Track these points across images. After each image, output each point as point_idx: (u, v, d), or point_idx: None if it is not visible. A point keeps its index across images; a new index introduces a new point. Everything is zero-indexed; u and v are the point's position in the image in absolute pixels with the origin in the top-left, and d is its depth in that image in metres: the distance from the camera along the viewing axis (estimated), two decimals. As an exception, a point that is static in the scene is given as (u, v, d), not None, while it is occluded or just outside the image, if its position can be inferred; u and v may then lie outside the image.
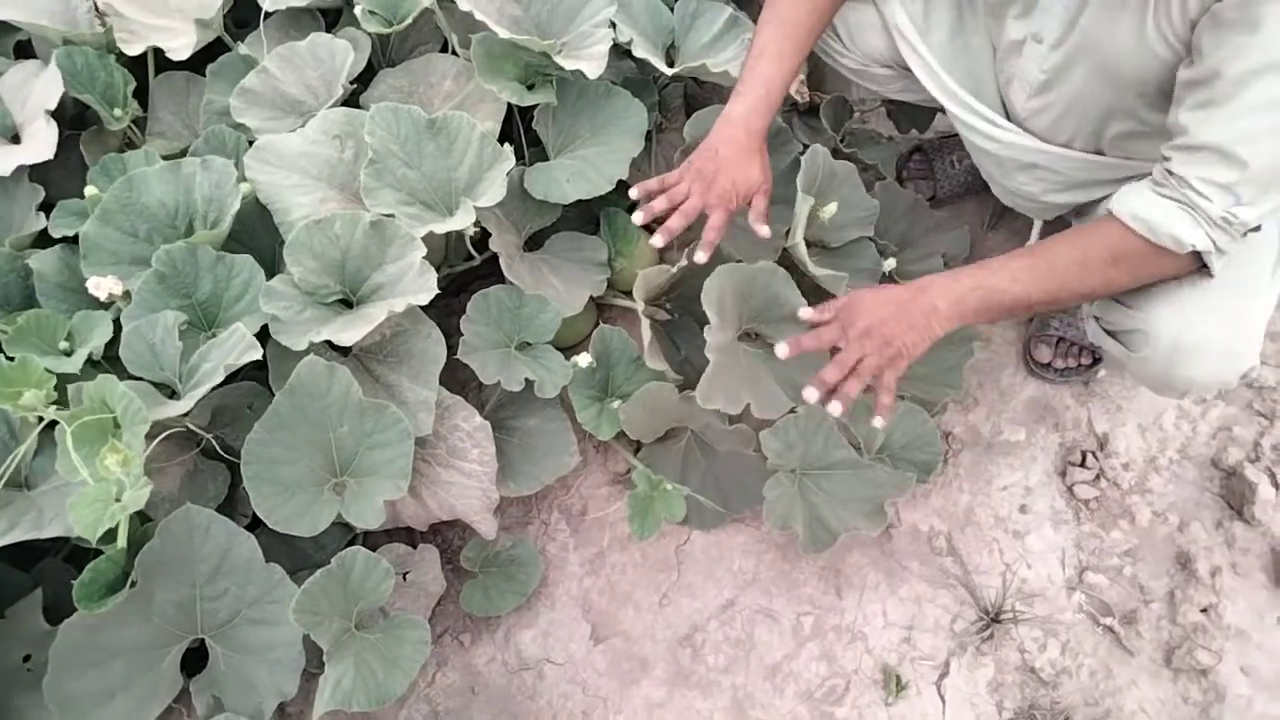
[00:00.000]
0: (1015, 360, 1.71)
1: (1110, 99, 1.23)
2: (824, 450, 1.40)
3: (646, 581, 1.50)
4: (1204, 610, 1.44)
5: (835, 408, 1.18)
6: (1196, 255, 1.10)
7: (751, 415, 1.40)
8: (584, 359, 1.44)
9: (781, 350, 1.22)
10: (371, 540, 1.41)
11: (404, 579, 1.37)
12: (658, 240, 1.31)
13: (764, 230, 1.35)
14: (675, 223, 1.30)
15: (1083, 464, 1.59)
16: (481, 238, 1.49)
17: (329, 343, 1.27)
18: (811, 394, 1.18)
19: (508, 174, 1.38)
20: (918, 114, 1.78)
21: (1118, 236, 1.13)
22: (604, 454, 1.61)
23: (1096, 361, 1.65)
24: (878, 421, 1.20)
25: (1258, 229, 1.12)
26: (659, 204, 1.33)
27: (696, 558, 1.52)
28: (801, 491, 1.41)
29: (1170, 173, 1.08)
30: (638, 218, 1.35)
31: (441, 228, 1.33)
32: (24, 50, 1.66)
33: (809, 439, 1.39)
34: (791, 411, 1.40)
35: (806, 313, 1.29)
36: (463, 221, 1.33)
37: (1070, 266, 1.16)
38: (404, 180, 1.37)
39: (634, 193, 1.37)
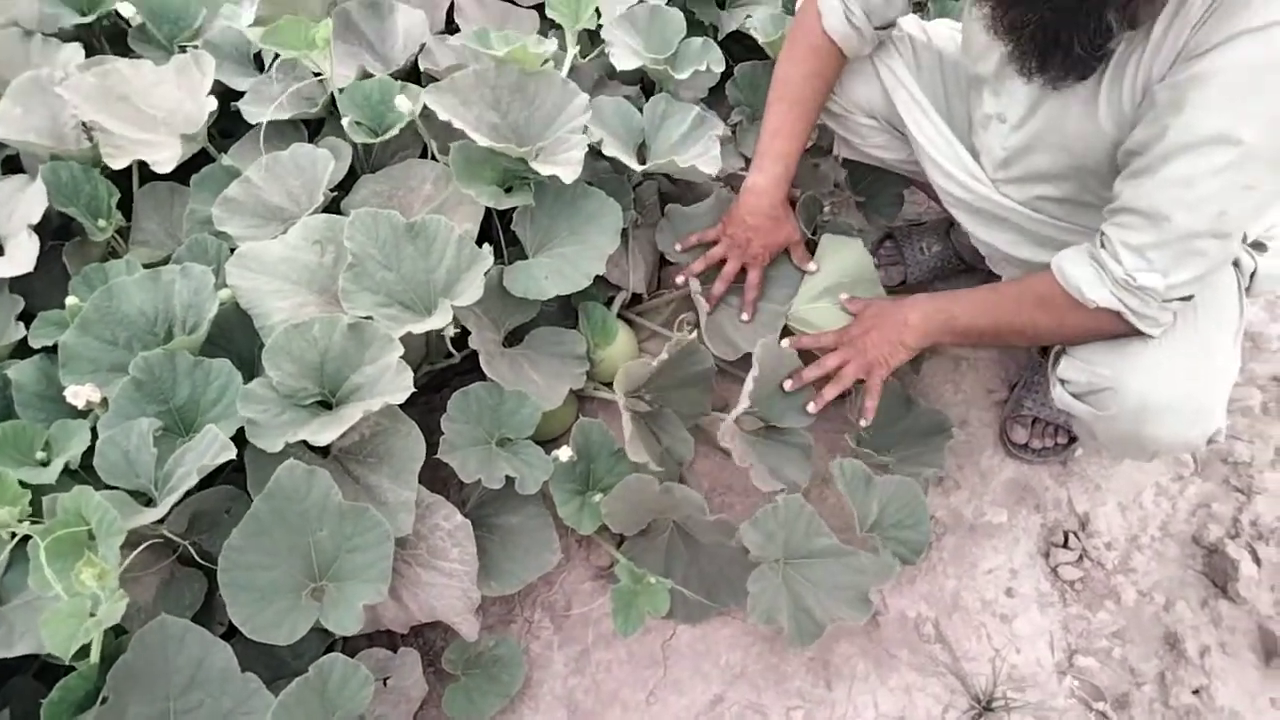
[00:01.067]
0: (993, 442, 1.73)
1: (1069, 177, 1.30)
2: (806, 538, 1.40)
3: (633, 679, 1.48)
4: (1195, 692, 1.43)
5: (811, 408, 1.48)
6: (1125, 316, 1.19)
7: (734, 508, 1.41)
8: (564, 453, 1.44)
9: (788, 385, 1.49)
10: (351, 645, 1.38)
11: (384, 684, 1.34)
12: (704, 304, 1.62)
13: (810, 267, 1.63)
14: (718, 288, 1.62)
15: (1065, 544, 1.60)
16: (461, 335, 1.51)
17: (308, 445, 1.27)
18: (790, 384, 1.48)
19: (486, 273, 1.41)
20: (885, 205, 1.84)
21: (1047, 284, 1.26)
22: (587, 549, 1.60)
23: (1073, 440, 1.67)
24: (863, 421, 1.44)
25: (1189, 298, 1.18)
26: (698, 266, 1.63)
27: (683, 652, 1.50)
28: (786, 582, 1.40)
29: (1102, 232, 1.18)
30: (681, 280, 1.64)
31: (420, 328, 1.35)
32: (11, 165, 1.69)
33: (790, 528, 1.39)
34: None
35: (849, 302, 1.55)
36: (441, 321, 1.35)
37: (1009, 303, 1.33)
38: (383, 283, 1.39)
39: (678, 247, 1.68)
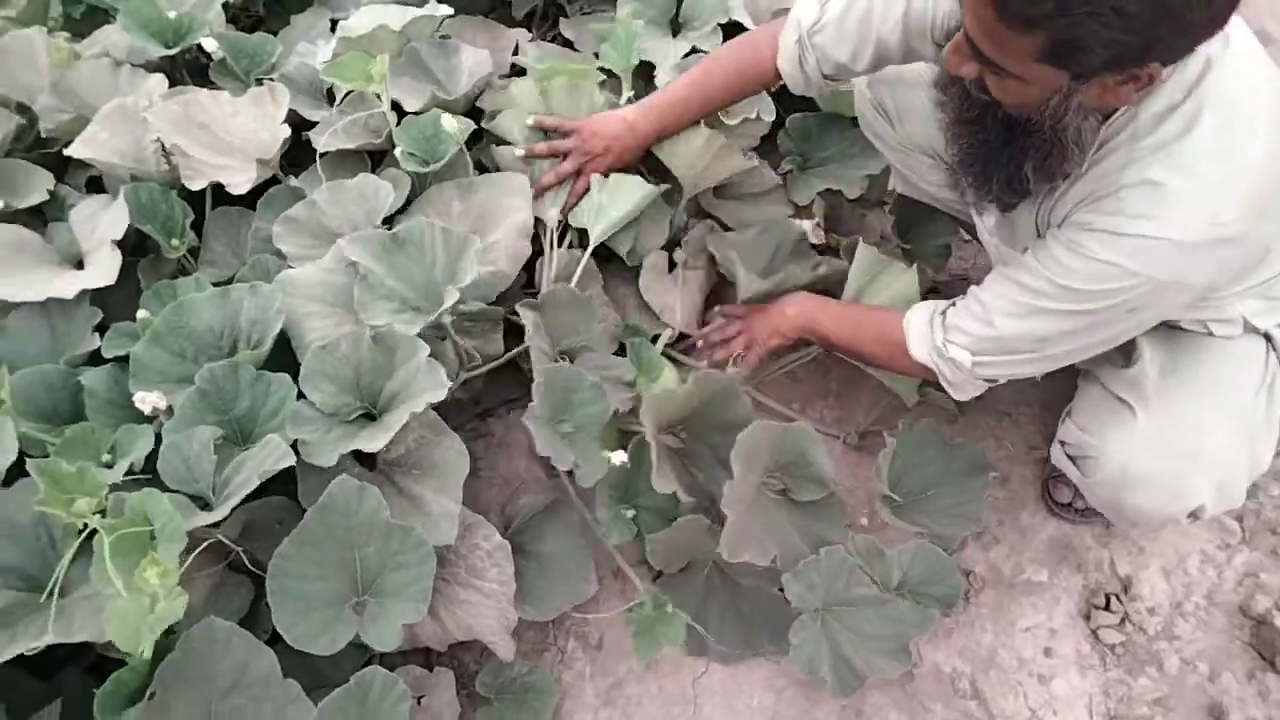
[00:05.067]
0: (1035, 499, 1.71)
1: None
2: (846, 589, 1.40)
3: (663, 715, 1.47)
4: (1241, 764, 1.39)
5: (704, 361, 1.70)
6: (939, 376, 1.36)
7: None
8: (618, 456, 1.44)
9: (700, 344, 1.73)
10: (386, 661, 1.39)
11: (418, 703, 1.35)
12: (547, 179, 1.67)
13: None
14: (547, 179, 1.67)
15: (1107, 607, 1.57)
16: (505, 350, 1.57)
17: (357, 457, 1.30)
18: (698, 342, 1.73)
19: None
20: (933, 256, 1.86)
21: (894, 324, 1.42)
22: (622, 582, 1.60)
23: None
24: (738, 370, 1.62)
25: (994, 383, 1.35)
26: (540, 148, 1.68)
27: (714, 690, 1.49)
28: (826, 631, 1.39)
29: (959, 298, 1.33)
30: (518, 153, 1.68)
31: (434, 319, 1.37)
32: (94, 185, 1.78)
33: (830, 579, 1.39)
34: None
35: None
36: (450, 301, 1.36)
37: (861, 327, 1.53)
38: (392, 291, 1.42)
39: (520, 151, 1.69)
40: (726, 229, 1.88)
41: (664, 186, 1.71)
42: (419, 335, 1.36)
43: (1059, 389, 1.79)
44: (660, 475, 1.45)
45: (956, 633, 1.56)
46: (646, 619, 1.40)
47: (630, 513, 1.47)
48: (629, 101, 1.75)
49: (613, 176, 1.67)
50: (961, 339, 1.30)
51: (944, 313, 1.34)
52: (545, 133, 1.72)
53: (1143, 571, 1.62)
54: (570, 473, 1.47)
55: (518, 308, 1.49)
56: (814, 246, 1.86)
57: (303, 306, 1.44)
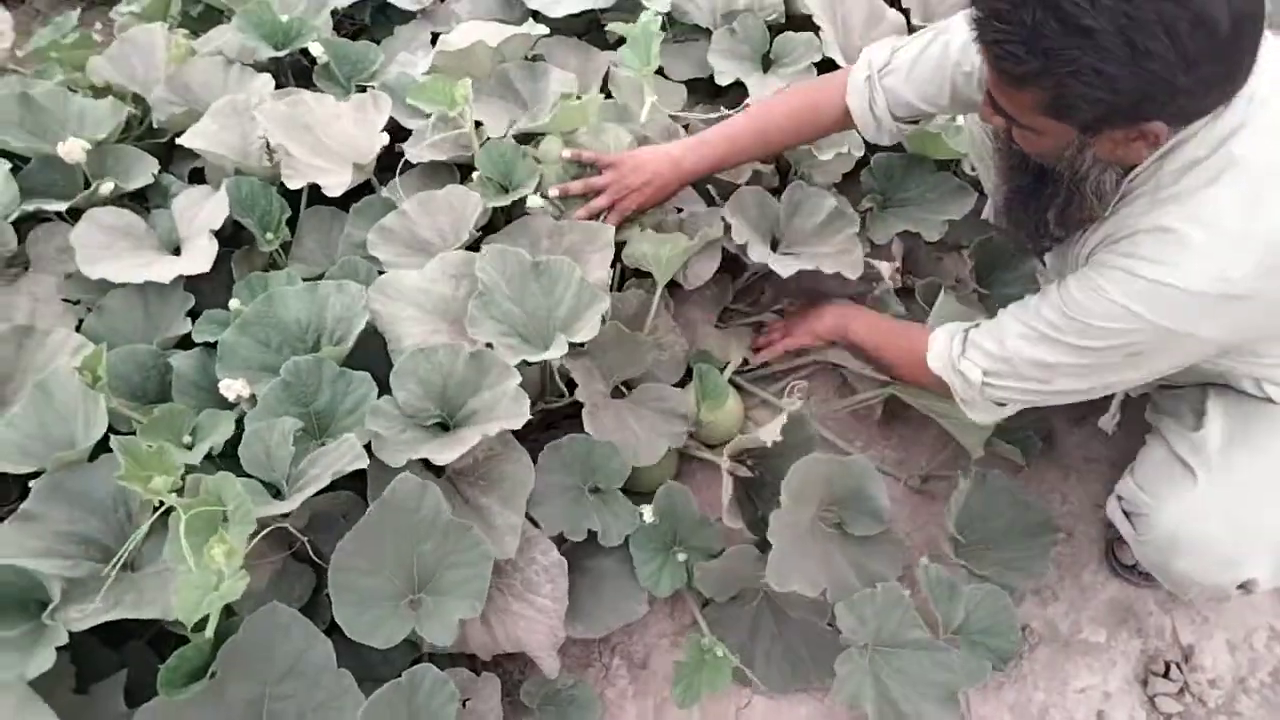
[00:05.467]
0: (1097, 558, 1.67)
1: None
2: (898, 629, 1.38)
3: (702, 743, 1.47)
4: None
5: (755, 357, 1.81)
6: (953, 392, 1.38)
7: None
8: (647, 513, 1.47)
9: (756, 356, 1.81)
10: (436, 661, 1.42)
11: (464, 706, 1.37)
12: (581, 214, 1.64)
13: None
14: (580, 214, 1.64)
15: (1166, 675, 1.53)
16: (574, 381, 1.57)
17: (426, 463, 1.34)
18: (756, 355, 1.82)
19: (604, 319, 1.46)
20: (1012, 300, 1.83)
21: (920, 337, 1.45)
22: (671, 604, 1.61)
23: None
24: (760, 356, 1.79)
25: (1003, 407, 1.36)
26: (575, 187, 1.65)
27: (756, 723, 1.49)
28: (874, 670, 1.38)
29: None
30: (552, 193, 1.65)
31: (536, 358, 1.40)
32: (195, 176, 1.86)
33: (884, 615, 1.38)
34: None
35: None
36: (556, 353, 1.40)
37: (891, 338, 1.59)
38: (507, 314, 1.46)
39: (554, 191, 1.65)
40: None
41: (716, 235, 1.68)
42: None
43: (1129, 447, 1.76)
44: (731, 511, 1.46)
45: (1008, 687, 1.53)
46: (690, 667, 1.39)
47: (682, 556, 1.49)
48: (652, 107, 1.76)
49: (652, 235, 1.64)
50: (976, 355, 1.33)
51: (967, 331, 1.37)
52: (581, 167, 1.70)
53: (1206, 642, 1.57)
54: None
55: (564, 361, 1.50)
56: (891, 288, 1.85)
57: (401, 310, 1.48)
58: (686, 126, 1.91)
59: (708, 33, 2.05)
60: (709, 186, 1.87)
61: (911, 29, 2.09)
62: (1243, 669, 1.54)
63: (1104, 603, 1.62)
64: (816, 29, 1.99)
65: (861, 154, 1.85)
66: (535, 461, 1.46)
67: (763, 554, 1.43)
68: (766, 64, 2.04)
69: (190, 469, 1.27)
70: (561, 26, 2.06)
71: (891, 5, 2.10)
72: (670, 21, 2.09)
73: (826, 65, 1.97)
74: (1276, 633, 1.58)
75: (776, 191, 1.79)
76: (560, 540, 1.48)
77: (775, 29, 2.04)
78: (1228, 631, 1.58)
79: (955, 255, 1.99)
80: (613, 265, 1.62)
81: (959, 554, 1.48)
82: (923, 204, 1.90)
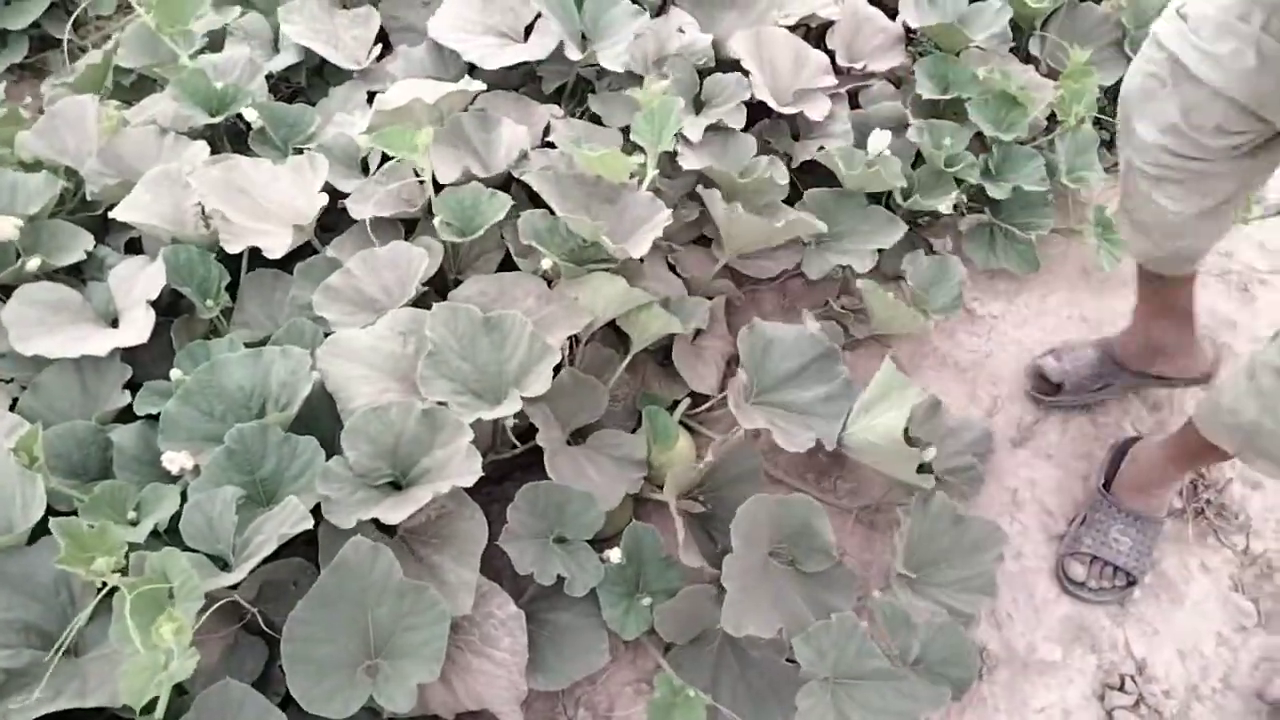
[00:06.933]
0: (1048, 576, 1.71)
1: None
2: (857, 659, 1.39)
3: (671, 789, 1.46)
4: None
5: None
6: None
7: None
8: (615, 555, 1.48)
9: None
10: (397, 725, 1.40)
11: (426, 769, 1.36)
12: None
13: None
14: None
15: (1122, 688, 1.56)
16: (524, 429, 1.57)
17: (377, 524, 1.33)
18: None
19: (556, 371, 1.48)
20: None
21: None
22: (633, 651, 1.60)
23: (1131, 584, 1.65)
24: None
25: None
26: None
27: (723, 766, 1.48)
28: (835, 701, 1.38)
29: None
30: None
31: (490, 415, 1.41)
32: (133, 247, 1.85)
33: (841, 647, 1.39)
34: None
35: None
36: (509, 410, 1.41)
37: None
38: (458, 371, 1.47)
39: None
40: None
41: (653, 298, 1.65)
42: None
43: (1072, 471, 1.81)
44: (687, 550, 1.47)
45: (969, 710, 1.55)
46: (663, 707, 1.38)
47: (646, 600, 1.49)
48: (653, 182, 1.79)
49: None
50: None
51: None
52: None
53: (1158, 653, 1.60)
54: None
55: (524, 407, 1.48)
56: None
57: (351, 369, 1.48)
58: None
59: (640, 79, 2.10)
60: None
61: (837, 70, 2.15)
62: (1194, 676, 1.58)
63: (1058, 620, 1.65)
64: (746, 71, 2.04)
65: (785, 181, 1.90)
66: (501, 504, 1.46)
67: (721, 592, 1.44)
68: (699, 105, 2.09)
69: (134, 547, 1.24)
70: (498, 81, 2.09)
71: (816, 46, 2.16)
72: (600, 72, 2.13)
73: (757, 106, 2.03)
74: (1224, 638, 1.62)
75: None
76: (518, 593, 1.48)
77: (705, 73, 2.09)
78: (1178, 641, 1.61)
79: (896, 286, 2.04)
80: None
81: (909, 583, 1.50)
82: (856, 236, 1.95)
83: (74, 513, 1.30)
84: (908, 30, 2.27)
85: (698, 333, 1.87)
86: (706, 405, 1.83)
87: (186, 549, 1.25)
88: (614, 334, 1.78)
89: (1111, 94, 2.41)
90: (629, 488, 1.60)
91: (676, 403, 1.80)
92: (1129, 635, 1.62)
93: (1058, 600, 1.68)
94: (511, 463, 1.66)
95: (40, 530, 1.26)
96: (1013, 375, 1.96)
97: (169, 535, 1.32)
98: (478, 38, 2.08)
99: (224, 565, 1.27)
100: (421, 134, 1.63)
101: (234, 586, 1.25)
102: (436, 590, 1.30)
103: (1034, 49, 2.39)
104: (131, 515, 1.33)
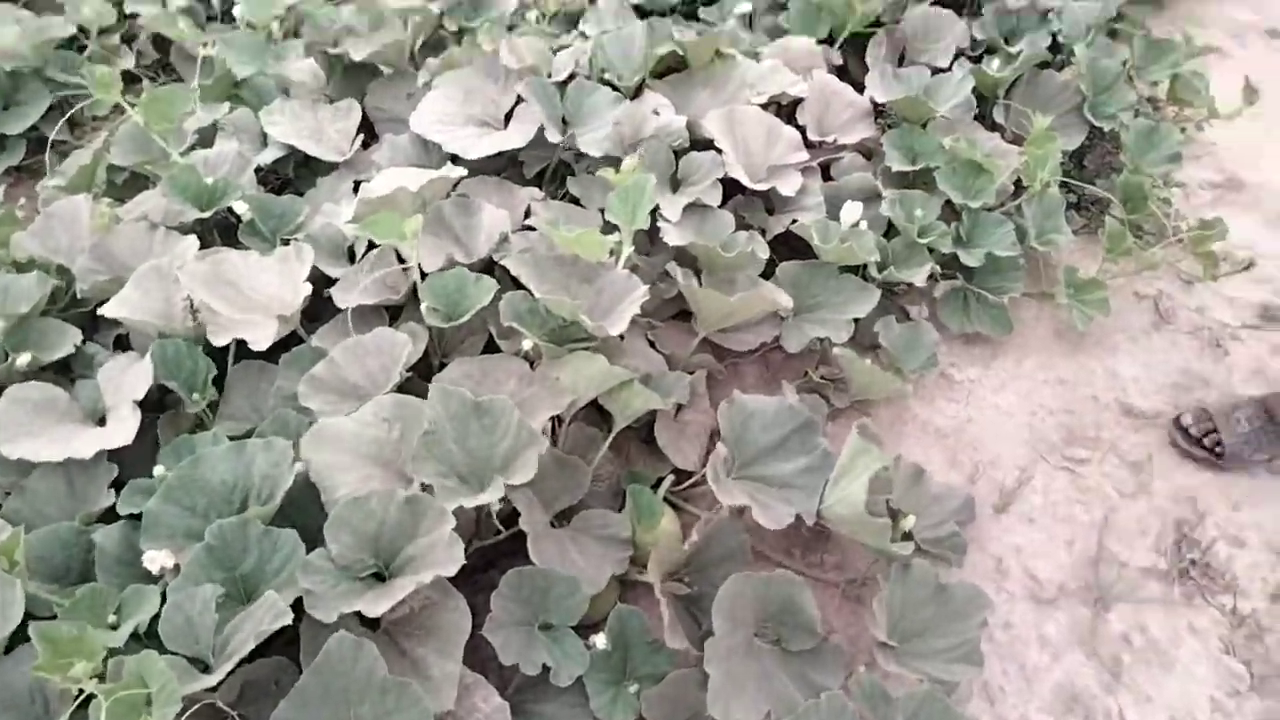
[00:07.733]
0: (1038, 646, 1.69)
1: None
2: (847, 740, 1.38)
3: None
4: None
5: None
6: None
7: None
8: (600, 640, 1.47)
9: None
10: (381, 825, 1.38)
11: None
12: None
13: None
14: None
15: (1117, 760, 1.54)
16: (510, 514, 1.58)
17: (360, 617, 1.33)
18: None
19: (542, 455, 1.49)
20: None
21: None
22: (622, 736, 1.59)
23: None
24: None
25: None
26: None
27: None
28: (826, 785, 1.37)
29: None
30: None
31: (472, 502, 1.42)
32: (121, 342, 1.88)
33: (828, 730, 1.38)
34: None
35: None
36: (492, 496, 1.42)
37: None
38: (448, 454, 1.48)
39: None
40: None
41: (633, 375, 1.66)
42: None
43: (1055, 536, 1.81)
44: (673, 633, 1.46)
45: (965, 789, 1.52)
46: None
47: (634, 687, 1.47)
48: (629, 260, 1.82)
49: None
50: None
51: None
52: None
53: (1152, 721, 1.58)
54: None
55: (508, 493, 1.49)
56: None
57: (334, 458, 1.49)
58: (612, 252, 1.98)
59: (618, 160, 2.15)
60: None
61: (808, 144, 2.21)
62: (1190, 745, 1.56)
63: (1050, 690, 1.63)
64: (719, 150, 2.10)
65: (766, 254, 1.93)
66: (486, 593, 1.46)
67: (706, 676, 1.43)
68: (675, 184, 2.14)
69: (114, 651, 1.24)
70: (480, 167, 2.14)
71: (788, 122, 2.22)
72: (579, 155, 2.19)
73: (730, 183, 2.08)
74: (1218, 703, 1.60)
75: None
76: (504, 684, 1.47)
77: (680, 153, 2.15)
78: (1171, 709, 1.59)
79: (873, 354, 2.06)
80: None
81: (894, 653, 1.49)
82: (831, 306, 1.98)
83: (54, 617, 1.30)
84: (875, 104, 2.34)
85: (680, 408, 1.89)
86: (691, 481, 1.83)
87: (166, 651, 1.25)
88: (596, 412, 1.80)
89: (1075, 158, 2.48)
90: (615, 569, 1.60)
91: (660, 480, 1.81)
92: (1122, 703, 1.61)
93: (1049, 669, 1.66)
94: (496, 549, 1.66)
95: (18, 636, 1.26)
96: (993, 440, 1.97)
97: (149, 638, 1.32)
98: (459, 129, 2.15)
99: (204, 667, 1.27)
100: (411, 221, 1.67)
101: (214, 688, 1.24)
102: (419, 685, 1.29)
103: (998, 117, 2.46)
104: (112, 619, 1.33)
